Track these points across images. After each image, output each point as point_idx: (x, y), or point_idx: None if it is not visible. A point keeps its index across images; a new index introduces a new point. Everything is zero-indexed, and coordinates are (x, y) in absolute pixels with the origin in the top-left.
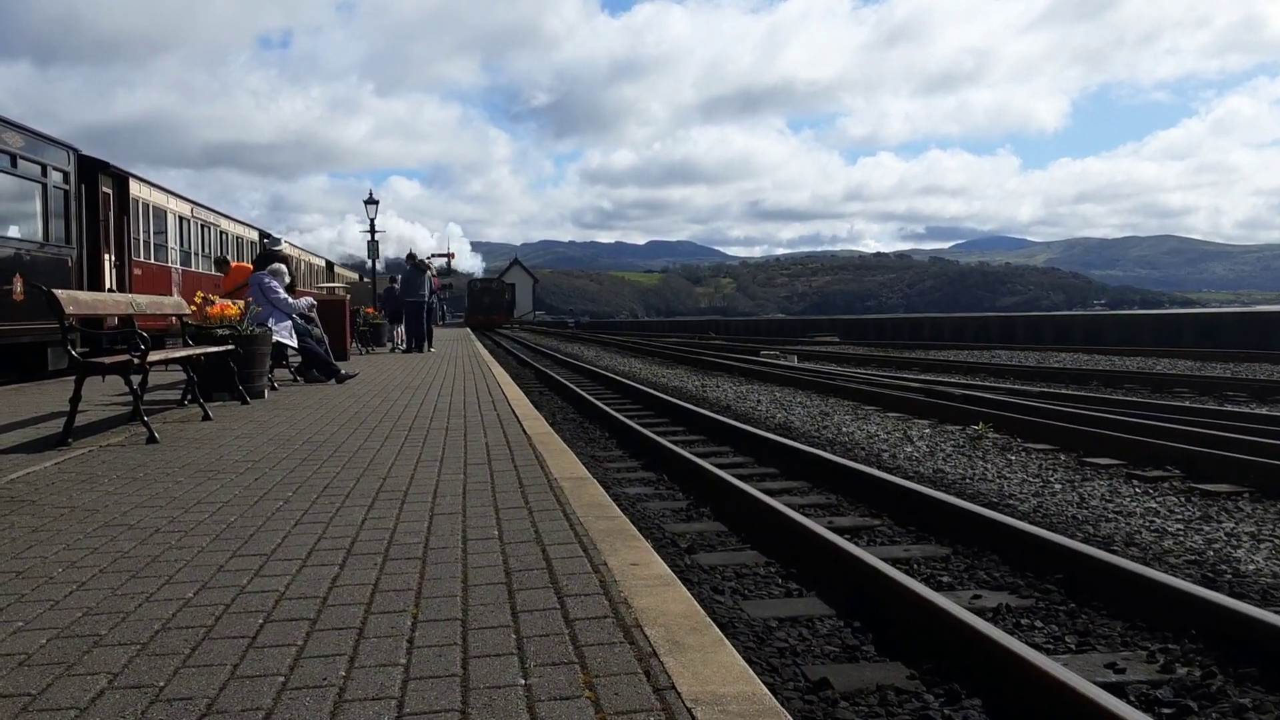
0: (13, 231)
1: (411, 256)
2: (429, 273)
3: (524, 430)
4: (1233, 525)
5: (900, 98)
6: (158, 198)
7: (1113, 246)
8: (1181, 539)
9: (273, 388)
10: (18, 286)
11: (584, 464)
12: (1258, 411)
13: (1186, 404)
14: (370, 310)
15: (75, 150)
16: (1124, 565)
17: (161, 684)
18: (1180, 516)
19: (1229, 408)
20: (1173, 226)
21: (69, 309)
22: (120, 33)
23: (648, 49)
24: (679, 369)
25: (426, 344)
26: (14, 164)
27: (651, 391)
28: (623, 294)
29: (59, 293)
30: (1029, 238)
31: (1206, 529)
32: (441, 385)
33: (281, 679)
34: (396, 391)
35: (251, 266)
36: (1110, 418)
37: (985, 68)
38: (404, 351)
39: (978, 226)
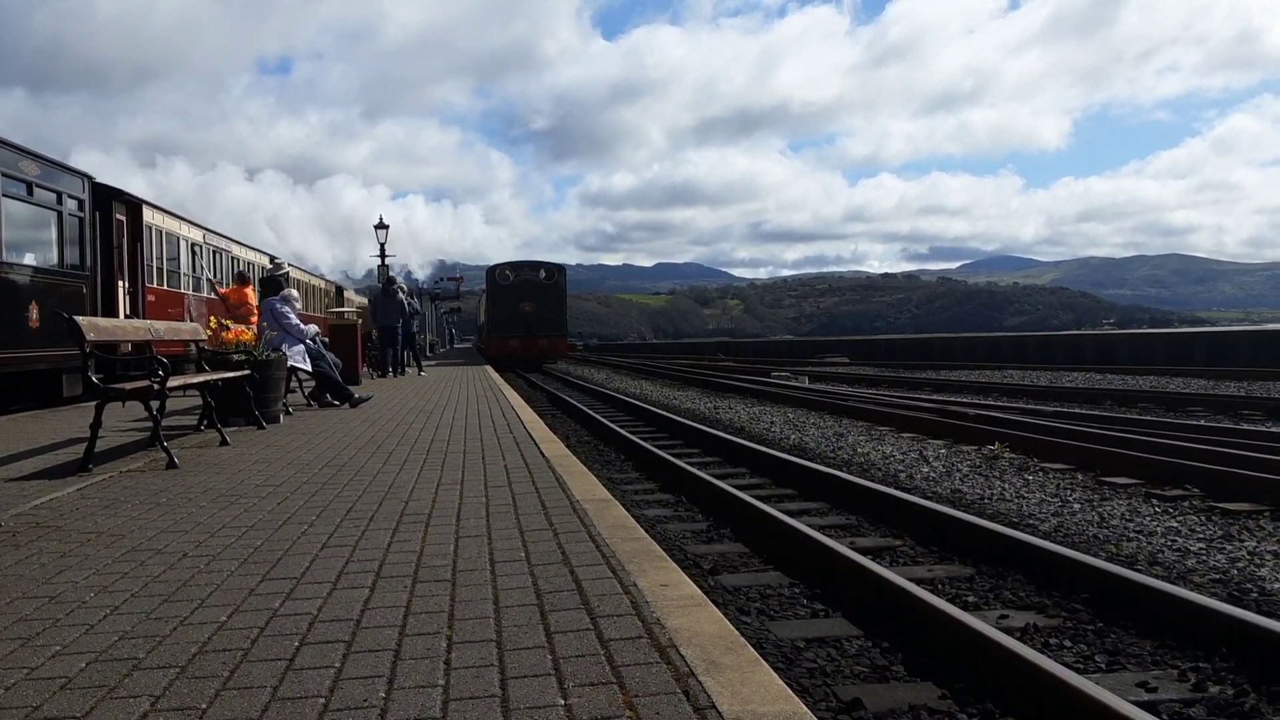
0: (29, 259)
1: (390, 281)
2: (400, 296)
3: (542, 453)
4: (1255, 544)
5: (900, 118)
6: (170, 224)
7: (1120, 266)
8: (1204, 558)
9: (287, 412)
10: (34, 314)
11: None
12: (1275, 430)
13: (1202, 423)
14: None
15: (90, 178)
16: (1152, 584)
17: (204, 706)
18: (1202, 535)
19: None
20: (1177, 245)
21: (89, 335)
22: (111, 60)
23: (645, 72)
24: (690, 391)
25: (398, 370)
26: (30, 192)
27: (665, 414)
28: (630, 316)
29: (80, 320)
30: (1034, 257)
31: (1229, 548)
32: (455, 408)
33: (322, 700)
34: (411, 415)
35: (249, 290)
36: (1127, 437)
37: (985, 87)
38: (378, 377)
39: (981, 246)
